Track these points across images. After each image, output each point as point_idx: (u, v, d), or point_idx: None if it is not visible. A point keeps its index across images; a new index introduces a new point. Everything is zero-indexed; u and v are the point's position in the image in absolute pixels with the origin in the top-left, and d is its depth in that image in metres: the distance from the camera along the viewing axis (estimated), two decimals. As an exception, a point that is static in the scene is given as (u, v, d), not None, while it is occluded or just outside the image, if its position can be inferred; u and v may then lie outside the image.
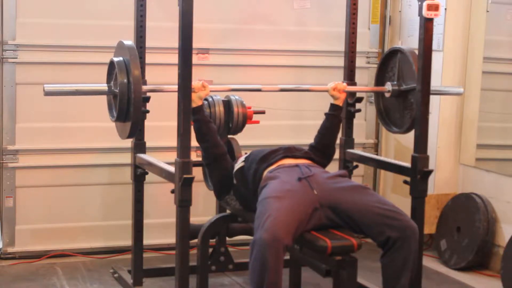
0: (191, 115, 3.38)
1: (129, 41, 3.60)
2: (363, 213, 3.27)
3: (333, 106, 3.88)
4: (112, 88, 3.53)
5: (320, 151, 3.79)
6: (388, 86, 3.98)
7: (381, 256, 3.30)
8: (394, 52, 4.00)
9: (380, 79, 4.11)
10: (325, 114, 3.88)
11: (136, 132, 3.67)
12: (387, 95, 4.00)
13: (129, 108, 3.44)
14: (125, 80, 3.43)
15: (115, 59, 3.53)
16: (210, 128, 3.61)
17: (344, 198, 3.30)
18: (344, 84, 3.95)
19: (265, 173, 3.47)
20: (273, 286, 3.03)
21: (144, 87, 3.57)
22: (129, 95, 3.42)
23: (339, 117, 3.88)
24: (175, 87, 3.39)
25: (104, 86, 3.57)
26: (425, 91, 3.68)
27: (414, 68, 3.78)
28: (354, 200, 3.30)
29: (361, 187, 3.42)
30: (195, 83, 3.51)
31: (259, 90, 3.97)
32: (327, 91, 3.91)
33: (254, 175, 3.51)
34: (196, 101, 3.53)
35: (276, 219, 3.08)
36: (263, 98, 4.72)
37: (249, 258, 3.07)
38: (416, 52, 3.76)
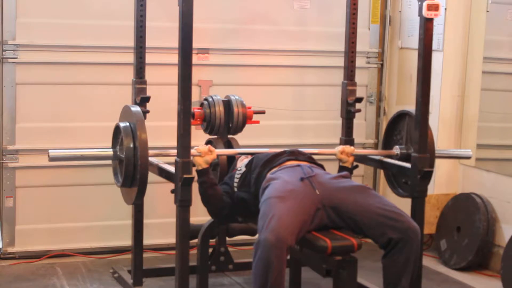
0: (191, 115, 3.38)
1: (136, 107, 3.58)
2: (364, 214, 3.27)
3: (341, 169, 3.84)
4: (118, 153, 3.51)
5: None
6: (397, 150, 3.93)
7: (382, 257, 3.30)
8: (402, 115, 3.97)
9: (387, 142, 4.08)
10: None
11: (143, 197, 3.58)
12: (395, 158, 3.95)
13: (135, 174, 3.41)
14: (131, 145, 3.40)
15: (121, 124, 3.50)
16: (216, 191, 3.57)
17: (346, 198, 3.31)
18: (352, 148, 3.90)
19: (268, 174, 3.47)
20: (277, 287, 3.04)
21: (151, 152, 3.50)
22: (135, 162, 3.39)
23: (349, 177, 3.77)
24: (175, 151, 3.37)
25: (109, 151, 3.56)
26: (425, 91, 3.68)
27: None
28: (356, 200, 3.30)
29: (363, 188, 3.42)
30: (202, 147, 3.52)
31: (266, 148, 3.87)
32: (334, 154, 3.86)
33: (257, 178, 3.51)
34: (202, 165, 3.51)
35: (280, 220, 3.08)
36: (263, 98, 4.73)
37: (253, 258, 3.07)
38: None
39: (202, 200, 3.56)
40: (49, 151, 3.48)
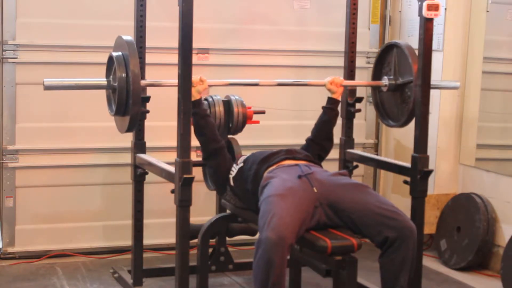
0: (191, 115, 3.38)
1: (128, 36, 3.61)
2: (362, 212, 3.27)
3: (330, 100, 3.93)
4: (111, 82, 3.55)
5: (317, 144, 3.84)
6: (385, 81, 4.02)
7: (379, 256, 3.30)
8: (390, 47, 4.04)
9: (377, 74, 4.13)
10: (323, 107, 3.93)
11: (135, 126, 3.66)
12: (384, 89, 4.04)
13: (128, 102, 3.46)
14: (124, 74, 3.46)
15: (114, 54, 3.55)
16: (208, 122, 3.64)
17: (343, 196, 3.31)
18: (341, 78, 3.98)
19: (266, 173, 3.47)
20: (278, 286, 3.04)
21: (143, 82, 3.59)
22: (128, 88, 3.44)
23: (336, 110, 3.93)
24: (174, 81, 3.40)
25: (103, 81, 3.60)
26: (425, 91, 3.68)
27: (410, 62, 3.80)
28: (354, 198, 3.30)
29: (361, 186, 3.42)
30: (193, 77, 3.52)
31: (256, 84, 3.98)
32: (324, 85, 3.94)
33: (255, 176, 3.52)
34: (194, 95, 3.55)
35: (281, 219, 3.09)
36: (263, 98, 4.72)
37: (254, 257, 3.08)
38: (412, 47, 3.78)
39: (195, 132, 3.59)
40: (44, 80, 3.49)
